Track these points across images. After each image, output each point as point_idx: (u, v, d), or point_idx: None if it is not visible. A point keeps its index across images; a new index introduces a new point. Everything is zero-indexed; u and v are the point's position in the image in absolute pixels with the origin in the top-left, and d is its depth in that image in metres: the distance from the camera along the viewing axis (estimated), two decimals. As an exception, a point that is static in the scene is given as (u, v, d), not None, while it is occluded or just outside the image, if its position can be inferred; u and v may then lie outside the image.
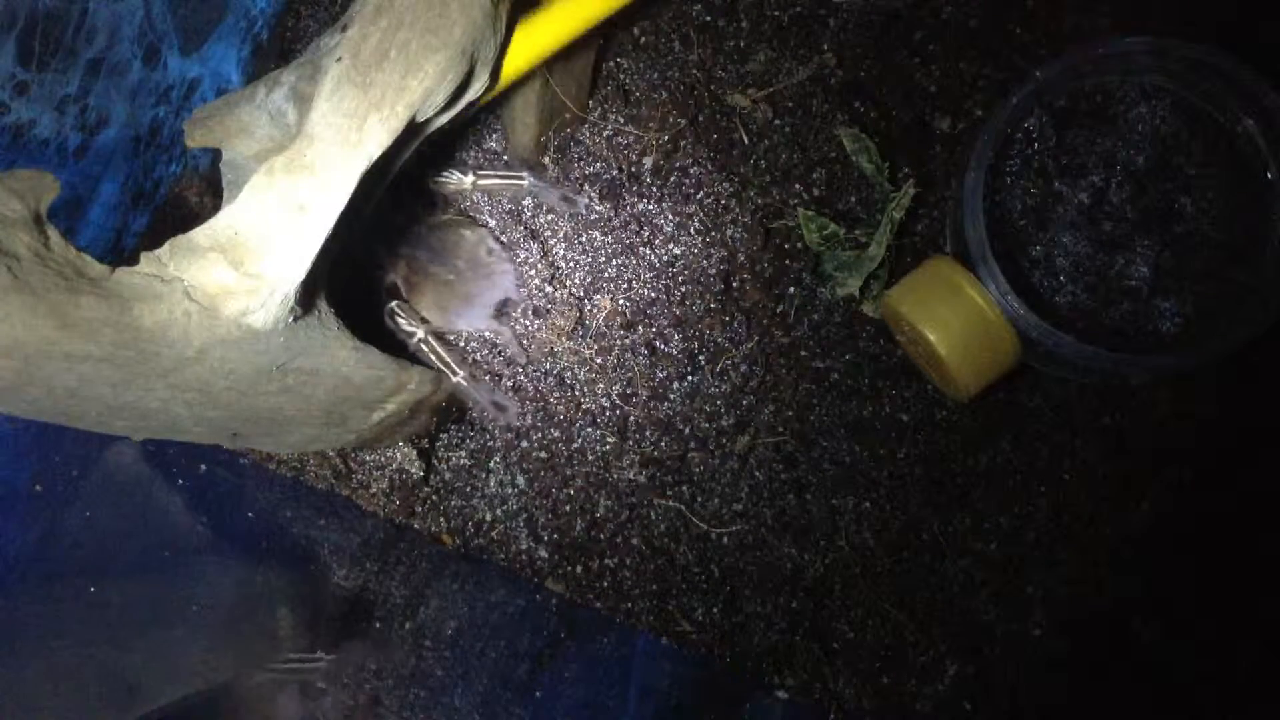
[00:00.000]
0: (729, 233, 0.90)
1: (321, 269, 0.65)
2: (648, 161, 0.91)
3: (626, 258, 0.90)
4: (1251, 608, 0.84)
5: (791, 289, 0.90)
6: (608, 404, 0.89)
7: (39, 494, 0.74)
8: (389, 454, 0.87)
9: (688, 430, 0.89)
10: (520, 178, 0.86)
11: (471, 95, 0.69)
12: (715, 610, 0.87)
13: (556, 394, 0.89)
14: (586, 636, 0.86)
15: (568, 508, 0.88)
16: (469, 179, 0.86)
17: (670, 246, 0.90)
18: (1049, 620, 0.87)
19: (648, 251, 0.90)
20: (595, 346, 0.90)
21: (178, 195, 0.91)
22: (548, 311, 0.89)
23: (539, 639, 0.84)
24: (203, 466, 0.84)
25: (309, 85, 0.64)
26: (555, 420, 0.89)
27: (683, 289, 0.89)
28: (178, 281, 0.58)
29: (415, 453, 0.87)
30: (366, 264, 0.83)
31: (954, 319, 0.78)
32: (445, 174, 0.86)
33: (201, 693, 0.71)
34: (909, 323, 0.80)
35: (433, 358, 0.82)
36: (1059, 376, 0.87)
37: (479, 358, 0.90)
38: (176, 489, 0.82)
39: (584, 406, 0.89)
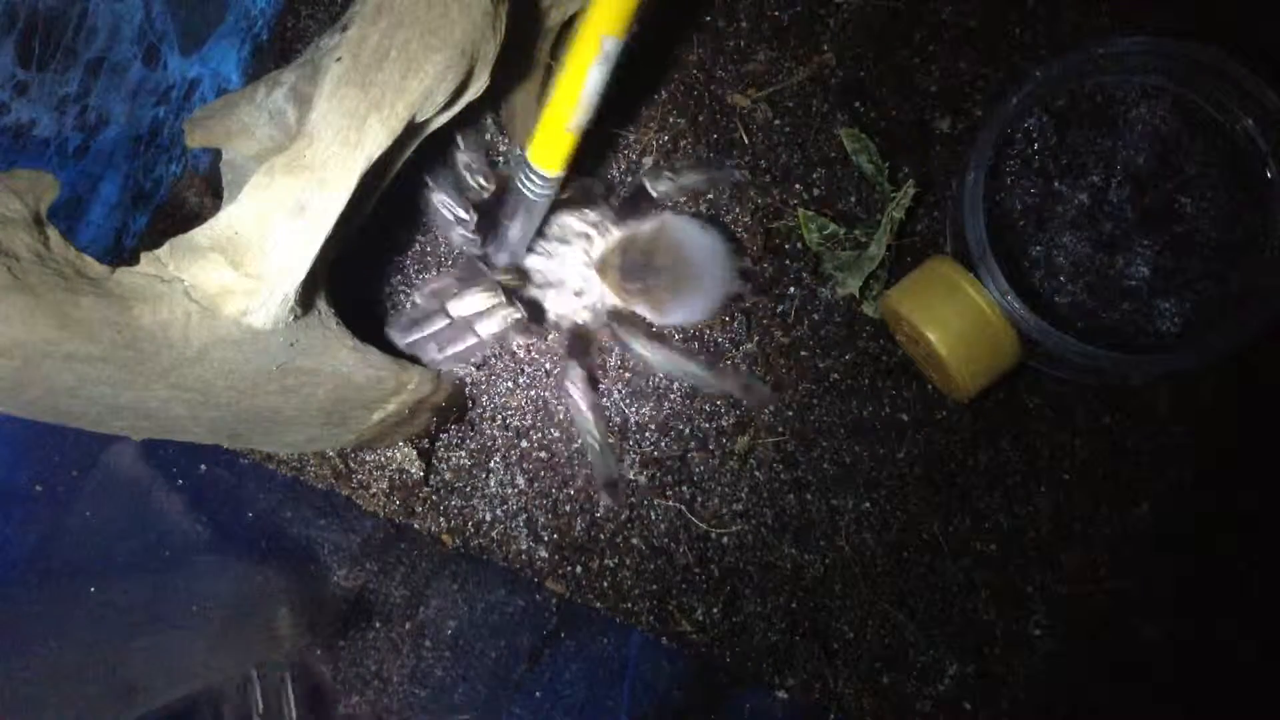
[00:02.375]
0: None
1: (321, 269, 0.65)
2: (648, 162, 0.91)
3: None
4: (1251, 607, 0.84)
5: (791, 289, 0.90)
6: (608, 404, 0.89)
7: (39, 494, 0.74)
8: (389, 454, 0.87)
9: (688, 430, 0.89)
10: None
11: (471, 95, 0.68)
12: (715, 610, 0.87)
13: (557, 394, 0.89)
14: (586, 636, 0.86)
15: (568, 508, 0.88)
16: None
17: (670, 246, 0.90)
18: (1049, 620, 0.87)
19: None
20: (595, 346, 0.89)
21: (178, 195, 0.91)
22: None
23: (539, 639, 0.84)
24: (203, 466, 0.84)
25: (309, 85, 0.64)
26: (555, 420, 0.89)
27: (683, 289, 0.89)
28: (178, 281, 0.58)
29: (415, 453, 0.87)
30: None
31: (954, 319, 0.78)
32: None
33: (201, 693, 0.71)
34: (909, 323, 0.80)
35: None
36: (1059, 376, 0.87)
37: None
38: (176, 489, 0.82)
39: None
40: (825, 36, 0.92)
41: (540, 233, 0.83)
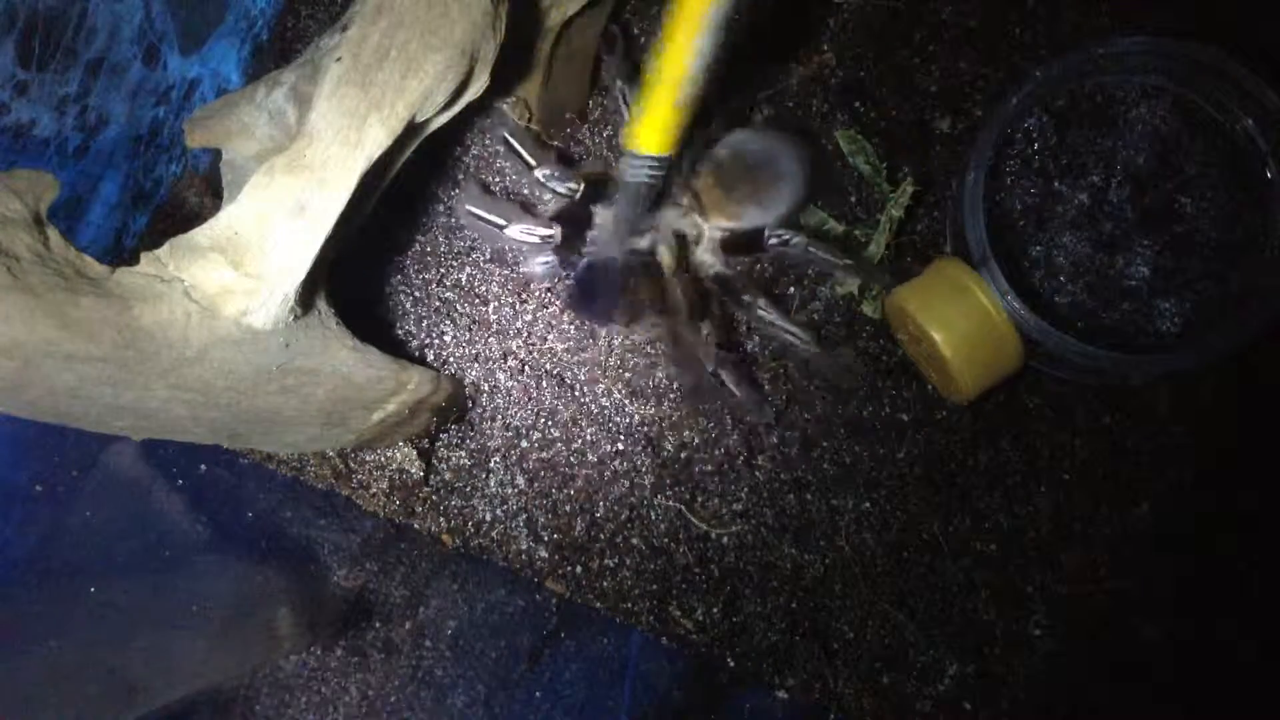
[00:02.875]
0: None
1: (321, 269, 0.65)
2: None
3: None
4: (1251, 608, 0.84)
5: (791, 289, 0.90)
6: (608, 404, 0.89)
7: (39, 494, 0.74)
8: (389, 454, 0.87)
9: (688, 430, 0.89)
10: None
11: (471, 95, 0.68)
12: (715, 610, 0.87)
13: (557, 393, 0.89)
14: (586, 637, 0.86)
15: (568, 508, 0.88)
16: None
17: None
18: (1049, 620, 0.87)
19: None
20: (596, 346, 0.90)
21: (178, 195, 0.91)
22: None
23: (539, 639, 0.84)
24: (203, 466, 0.84)
25: (309, 85, 0.64)
26: (555, 420, 0.89)
27: (683, 289, 0.89)
28: (178, 281, 0.58)
29: (415, 453, 0.87)
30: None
31: (960, 320, 0.78)
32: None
33: (201, 693, 0.71)
34: (915, 321, 0.80)
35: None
36: (1059, 376, 0.87)
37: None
38: (176, 489, 0.82)
39: (584, 406, 0.89)
40: (825, 36, 0.92)
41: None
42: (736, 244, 0.83)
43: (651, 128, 0.68)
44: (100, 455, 0.78)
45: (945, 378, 0.82)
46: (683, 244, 0.82)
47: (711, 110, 0.80)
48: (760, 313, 0.81)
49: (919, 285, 0.82)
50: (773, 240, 0.81)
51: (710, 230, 0.83)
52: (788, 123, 0.91)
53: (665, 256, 0.81)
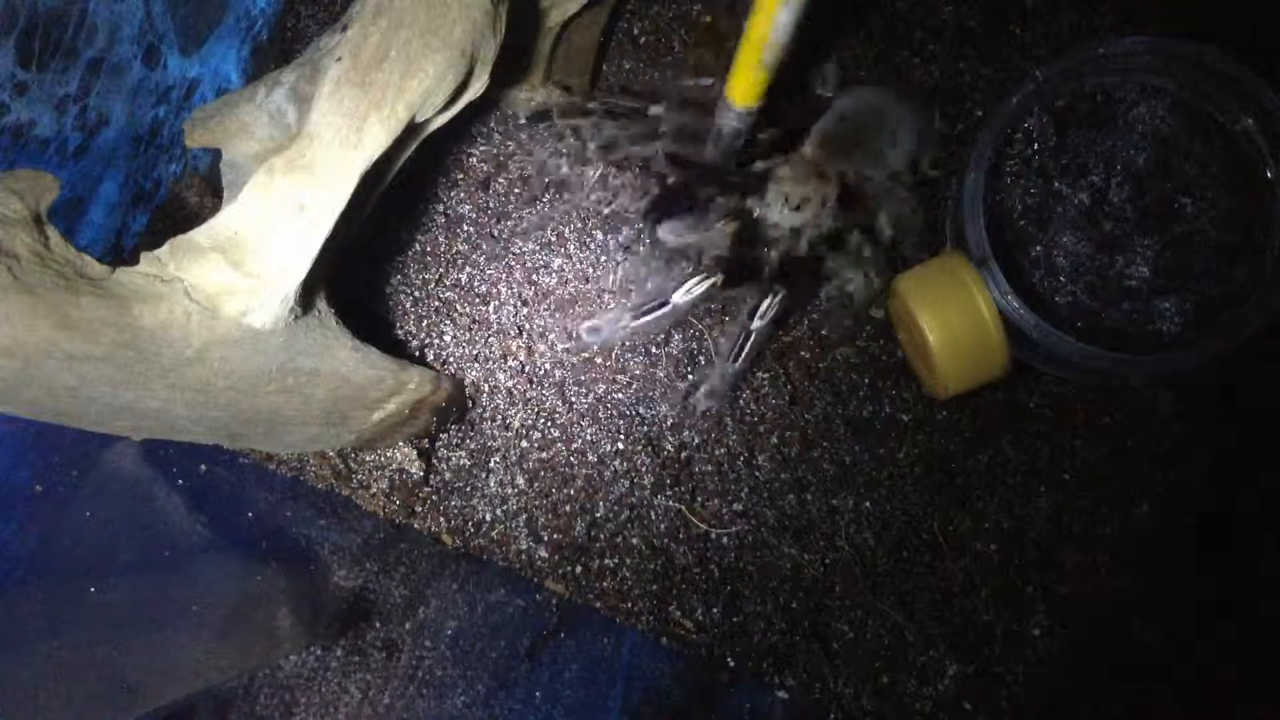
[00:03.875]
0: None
1: (321, 269, 0.65)
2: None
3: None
4: (1251, 608, 0.84)
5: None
6: (608, 404, 0.89)
7: (39, 494, 0.74)
8: (389, 454, 0.87)
9: (688, 430, 0.89)
10: None
11: (471, 95, 0.69)
12: (715, 610, 0.87)
13: (557, 393, 0.89)
14: (586, 636, 0.86)
15: (568, 508, 0.88)
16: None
17: (670, 246, 0.90)
18: (1049, 620, 0.87)
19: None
20: (596, 346, 0.90)
21: (178, 195, 0.91)
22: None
23: (539, 639, 0.84)
24: (203, 466, 0.84)
25: (309, 85, 0.64)
26: (555, 420, 0.89)
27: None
28: (178, 281, 0.58)
29: (415, 453, 0.87)
30: None
31: (953, 315, 0.78)
32: None
33: (201, 693, 0.71)
34: (908, 309, 0.80)
35: None
36: (1059, 376, 0.87)
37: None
38: (176, 489, 0.82)
39: (584, 406, 0.89)
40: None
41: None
42: (851, 198, 0.83)
43: (741, 82, 0.74)
44: (100, 455, 0.78)
45: (930, 369, 0.81)
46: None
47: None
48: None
49: (921, 274, 0.81)
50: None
51: (831, 195, 0.83)
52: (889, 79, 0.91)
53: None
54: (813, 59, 0.90)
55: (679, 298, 0.78)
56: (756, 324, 0.80)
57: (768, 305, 0.79)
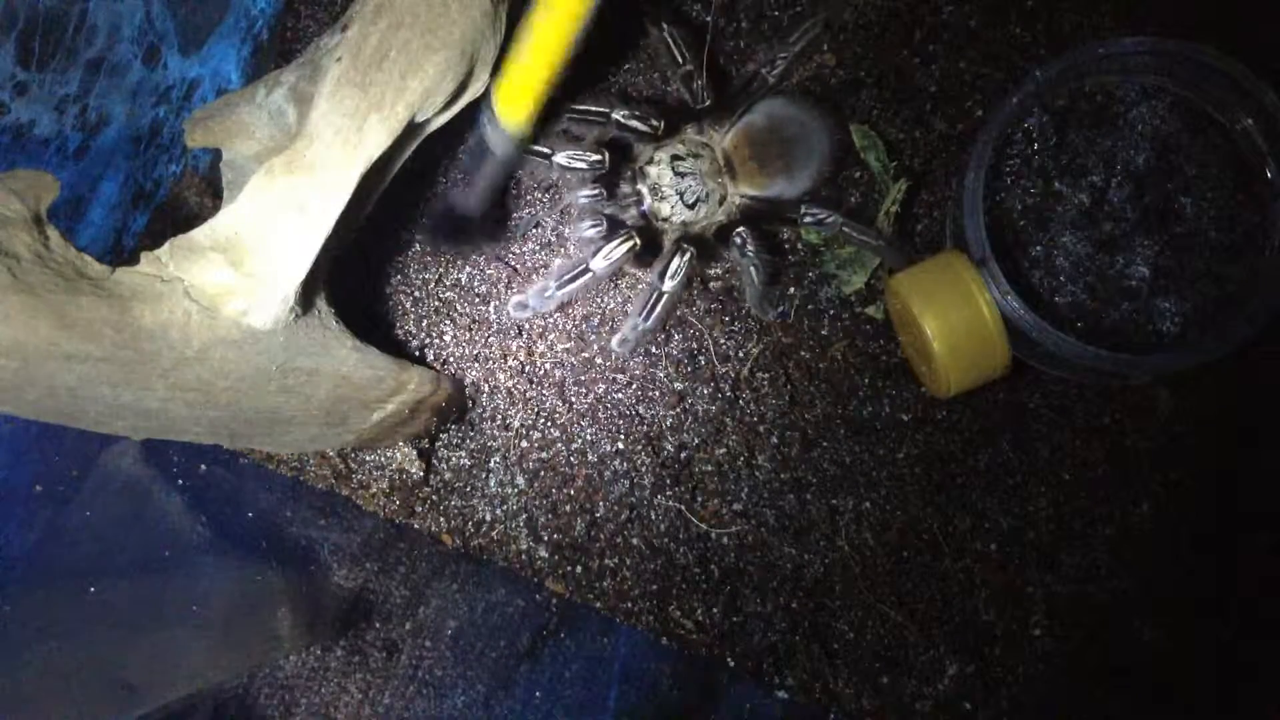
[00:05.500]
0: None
1: (321, 269, 0.65)
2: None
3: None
4: (1252, 608, 0.84)
5: (792, 289, 0.90)
6: (608, 404, 0.89)
7: (39, 494, 0.74)
8: (389, 454, 0.87)
9: (688, 430, 0.89)
10: None
11: (471, 95, 0.69)
12: (715, 610, 0.87)
13: (557, 393, 0.89)
14: (586, 636, 0.86)
15: (568, 508, 0.88)
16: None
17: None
18: (1049, 620, 0.87)
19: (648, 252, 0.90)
20: (596, 346, 0.90)
21: (178, 195, 0.91)
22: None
23: (539, 639, 0.84)
24: (203, 466, 0.84)
25: (309, 85, 0.64)
26: (555, 420, 0.89)
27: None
28: (178, 281, 0.58)
29: (415, 453, 0.87)
30: None
31: (953, 315, 0.78)
32: None
33: (201, 693, 0.71)
34: (908, 309, 0.80)
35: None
36: (1059, 376, 0.87)
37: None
38: (176, 489, 0.82)
39: (584, 406, 0.89)
40: (825, 37, 0.92)
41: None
42: (761, 213, 0.86)
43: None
44: (100, 455, 0.78)
45: (930, 369, 0.81)
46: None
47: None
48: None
49: (921, 273, 0.81)
50: (808, 218, 0.83)
51: (734, 195, 0.86)
52: (819, 95, 0.92)
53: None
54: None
55: (597, 263, 0.80)
56: (668, 285, 0.81)
57: (677, 265, 0.81)
